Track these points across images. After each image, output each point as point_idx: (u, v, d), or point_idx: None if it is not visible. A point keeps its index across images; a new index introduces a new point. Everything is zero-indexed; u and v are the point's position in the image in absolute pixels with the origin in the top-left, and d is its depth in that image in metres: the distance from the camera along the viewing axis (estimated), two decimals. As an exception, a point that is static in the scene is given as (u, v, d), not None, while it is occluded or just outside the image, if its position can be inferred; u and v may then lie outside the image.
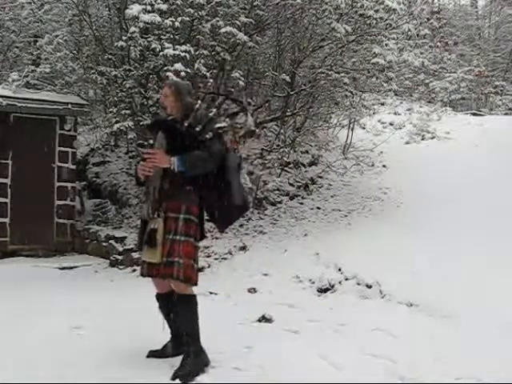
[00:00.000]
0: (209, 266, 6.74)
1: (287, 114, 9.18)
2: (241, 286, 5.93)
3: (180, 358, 3.46)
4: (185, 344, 3.45)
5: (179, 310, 3.44)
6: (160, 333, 3.80)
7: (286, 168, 9.45)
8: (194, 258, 3.45)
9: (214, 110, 4.29)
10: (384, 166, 10.70)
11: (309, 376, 3.41)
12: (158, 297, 3.64)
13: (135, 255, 7.04)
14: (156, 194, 3.46)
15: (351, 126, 11.29)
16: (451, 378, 3.42)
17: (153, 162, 3.43)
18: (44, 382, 3.24)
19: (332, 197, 9.20)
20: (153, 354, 3.66)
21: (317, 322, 4.61)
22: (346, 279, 5.79)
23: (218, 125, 3.70)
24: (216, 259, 6.97)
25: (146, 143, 8.35)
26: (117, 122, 8.11)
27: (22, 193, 8.03)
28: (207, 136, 3.49)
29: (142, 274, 3.57)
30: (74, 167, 8.52)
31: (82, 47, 9.75)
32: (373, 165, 10.68)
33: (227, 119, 7.48)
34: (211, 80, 7.46)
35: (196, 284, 3.45)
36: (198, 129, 3.50)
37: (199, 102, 3.80)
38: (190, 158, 3.40)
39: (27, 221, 8.02)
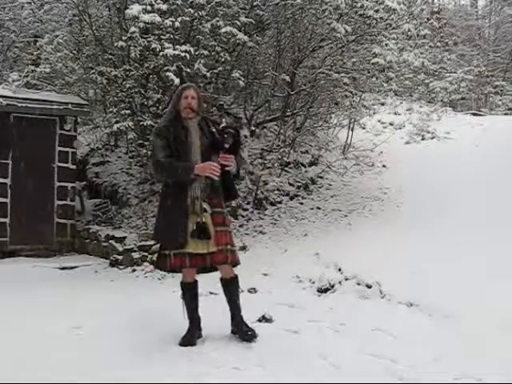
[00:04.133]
0: (209, 266, 6.73)
1: (287, 113, 9.19)
2: (241, 286, 5.90)
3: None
4: (237, 314, 4.07)
5: (235, 288, 4.09)
6: (160, 332, 3.80)
7: (286, 168, 9.45)
8: None
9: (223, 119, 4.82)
10: (384, 166, 10.70)
11: (309, 376, 3.41)
12: (191, 285, 4.04)
13: (135, 255, 7.04)
14: (207, 191, 3.88)
15: (351, 126, 11.29)
16: (451, 378, 3.42)
17: (229, 163, 3.89)
18: (44, 382, 3.24)
19: (332, 197, 9.20)
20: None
21: (317, 322, 4.60)
22: (346, 279, 5.77)
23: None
24: (216, 259, 6.95)
25: (146, 143, 8.39)
26: (117, 122, 8.12)
27: (22, 193, 8.02)
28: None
29: (182, 266, 3.95)
30: (74, 167, 8.51)
31: (82, 47, 9.74)
32: (373, 165, 10.68)
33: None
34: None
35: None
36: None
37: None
38: (240, 161, 4.10)
39: (27, 221, 8.01)
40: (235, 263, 4.06)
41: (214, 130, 3.99)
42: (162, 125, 4.05)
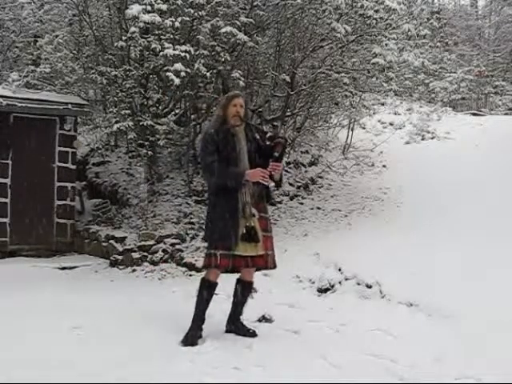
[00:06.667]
0: (209, 266, 6.73)
1: (287, 114, 9.18)
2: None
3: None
4: (239, 315, 4.29)
5: (249, 292, 4.34)
6: (160, 332, 3.79)
7: (286, 168, 9.45)
8: None
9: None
10: (384, 166, 10.70)
11: (309, 376, 3.41)
12: (212, 284, 4.13)
13: (135, 255, 7.04)
14: (256, 196, 4.05)
15: (351, 126, 11.29)
16: (451, 378, 3.42)
17: (277, 172, 4.03)
18: (43, 382, 3.24)
19: (332, 197, 9.20)
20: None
21: (317, 322, 4.60)
22: (346, 279, 5.77)
23: None
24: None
25: (146, 143, 8.38)
26: (117, 122, 8.11)
27: (22, 193, 8.03)
28: None
29: (223, 268, 4.09)
30: (74, 167, 8.51)
31: (82, 47, 9.75)
32: (373, 165, 10.68)
33: None
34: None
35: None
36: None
37: None
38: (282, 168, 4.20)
39: (27, 221, 8.01)
40: (274, 266, 4.25)
41: (257, 136, 4.17)
42: (211, 131, 4.15)
